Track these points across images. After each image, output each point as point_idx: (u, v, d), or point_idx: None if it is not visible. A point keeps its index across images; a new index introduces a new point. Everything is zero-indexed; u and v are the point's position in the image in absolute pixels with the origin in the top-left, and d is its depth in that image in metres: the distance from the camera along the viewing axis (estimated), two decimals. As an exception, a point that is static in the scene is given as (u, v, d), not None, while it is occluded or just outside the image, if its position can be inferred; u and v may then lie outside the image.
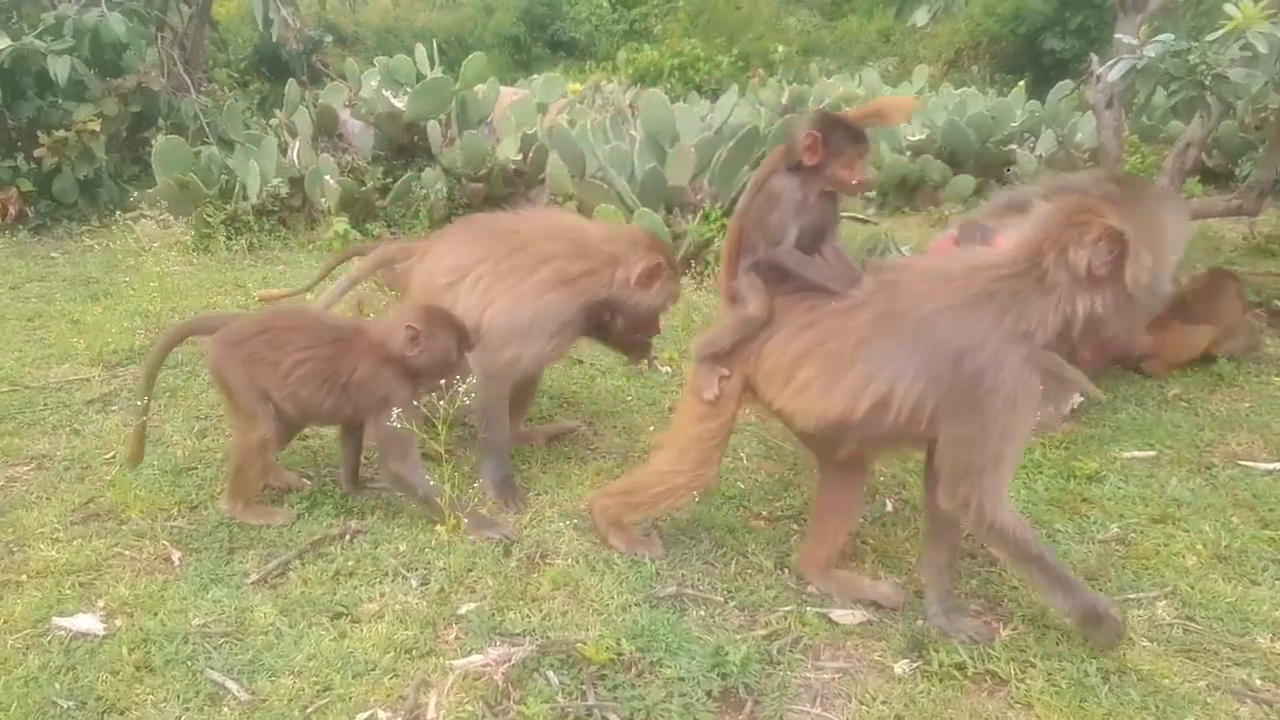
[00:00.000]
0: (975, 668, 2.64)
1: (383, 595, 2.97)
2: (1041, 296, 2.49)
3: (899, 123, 3.30)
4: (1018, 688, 2.57)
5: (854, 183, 2.89)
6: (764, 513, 3.51)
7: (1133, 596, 2.99)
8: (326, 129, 8.72)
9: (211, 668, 2.64)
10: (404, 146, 8.44)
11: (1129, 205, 2.44)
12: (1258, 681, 2.62)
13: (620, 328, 3.68)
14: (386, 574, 3.08)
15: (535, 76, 11.57)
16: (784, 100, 10.97)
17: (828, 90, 11.30)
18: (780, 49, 17.91)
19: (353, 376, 3.29)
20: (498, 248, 3.61)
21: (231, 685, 2.57)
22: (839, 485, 3.06)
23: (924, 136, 9.10)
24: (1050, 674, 2.61)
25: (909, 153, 8.95)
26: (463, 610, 2.90)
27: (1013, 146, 9.08)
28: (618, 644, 2.69)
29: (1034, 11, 16.31)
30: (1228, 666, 2.68)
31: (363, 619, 2.86)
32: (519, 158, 7.96)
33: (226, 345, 3.32)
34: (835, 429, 2.74)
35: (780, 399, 2.82)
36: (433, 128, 8.10)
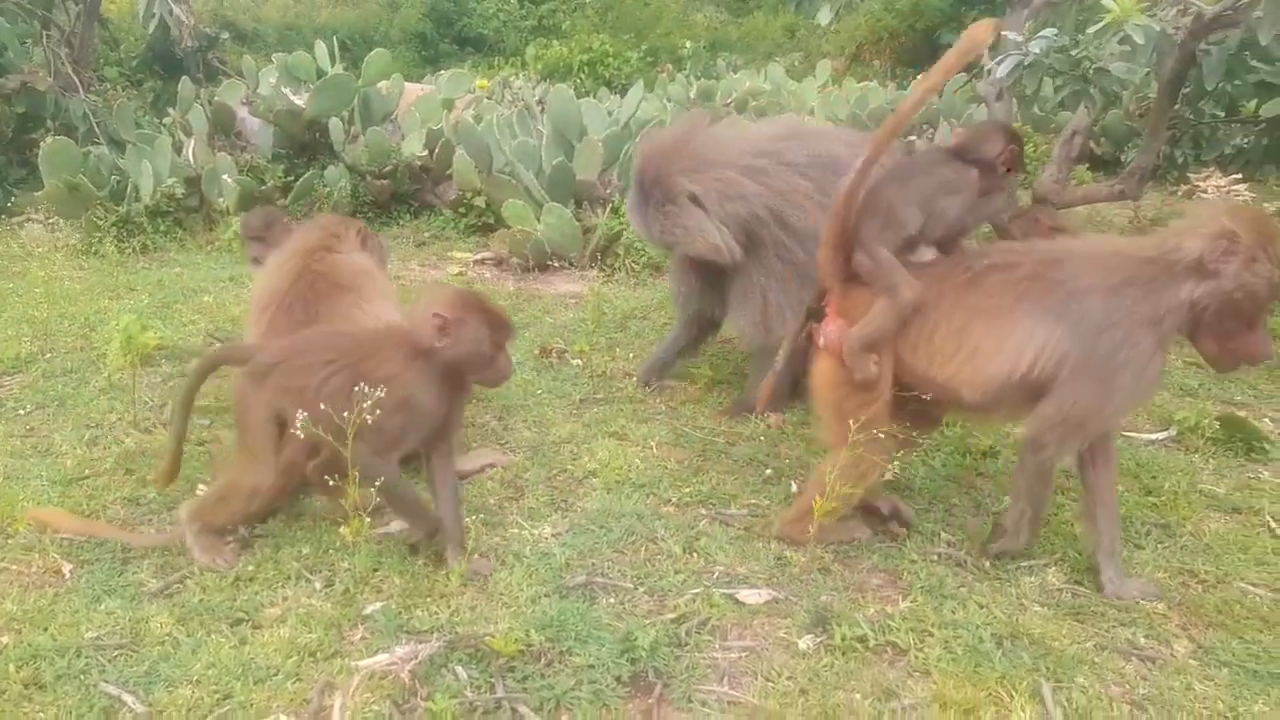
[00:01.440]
0: (876, 639, 2.71)
1: (285, 599, 2.91)
2: (1170, 286, 2.75)
3: (988, 42, 3.48)
4: (916, 656, 2.65)
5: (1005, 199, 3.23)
6: (673, 499, 3.53)
7: (1025, 564, 3.11)
8: (223, 127, 8.47)
9: (105, 681, 2.54)
10: (305, 144, 8.24)
11: (1250, 217, 2.74)
12: (1142, 640, 2.76)
13: None
14: (289, 577, 3.02)
15: (442, 73, 11.41)
16: (692, 95, 11.06)
17: (735, 85, 11.43)
18: (688, 44, 18.06)
19: (376, 377, 2.88)
20: None
21: (127, 698, 2.49)
22: None
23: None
24: (947, 642, 2.69)
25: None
26: (368, 610, 2.85)
27: (913, 138, 9.30)
28: (527, 635, 2.69)
29: (931, 8, 16.78)
30: (1114, 627, 2.81)
31: (264, 624, 2.79)
32: (425, 154, 7.85)
33: (253, 380, 3.03)
34: (999, 391, 2.88)
35: (948, 369, 2.93)
36: (335, 125, 7.93)
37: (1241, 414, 4.07)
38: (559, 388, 4.54)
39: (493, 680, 2.56)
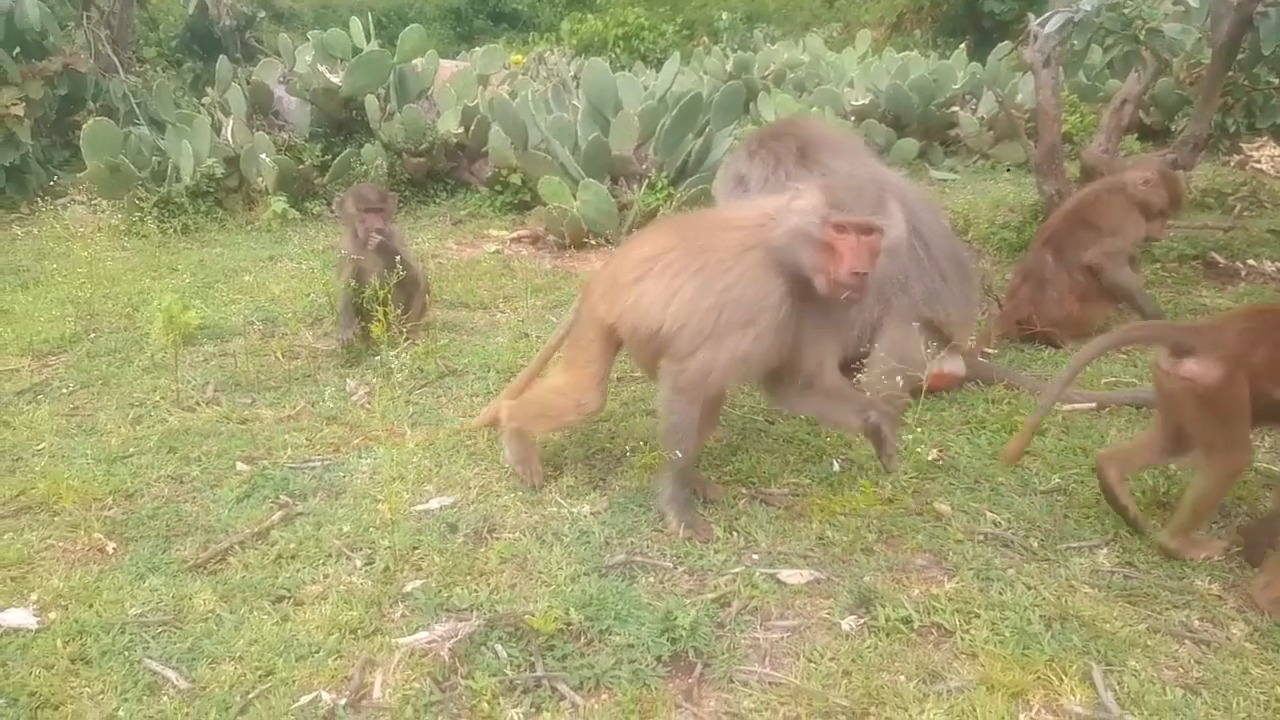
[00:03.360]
0: (921, 621, 2.66)
1: (326, 577, 2.92)
2: None
3: None
4: (963, 638, 2.60)
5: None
6: (713, 478, 3.49)
7: (1074, 545, 3.04)
8: (261, 107, 8.51)
9: (149, 657, 2.57)
10: (342, 122, 8.27)
11: None
12: (1196, 622, 2.68)
13: None
14: (330, 555, 3.03)
15: (476, 49, 11.36)
16: (729, 68, 10.92)
17: (772, 57, 11.25)
18: (724, 16, 17.82)
19: None
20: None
21: (170, 674, 2.51)
22: None
23: (867, 101, 9.10)
24: (994, 624, 2.64)
25: (853, 117, 8.95)
26: (408, 588, 2.86)
27: (955, 109, 9.13)
28: (566, 614, 2.67)
29: (975, -26, 16.37)
30: (1167, 609, 2.73)
31: (305, 601, 2.81)
32: (460, 131, 7.83)
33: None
34: None
35: None
36: (370, 102, 7.93)
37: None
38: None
39: (532, 659, 2.55)
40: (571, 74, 9.91)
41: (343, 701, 2.41)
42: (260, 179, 7.51)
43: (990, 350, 4.65)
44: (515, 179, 7.24)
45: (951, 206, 6.97)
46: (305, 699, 2.43)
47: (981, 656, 2.52)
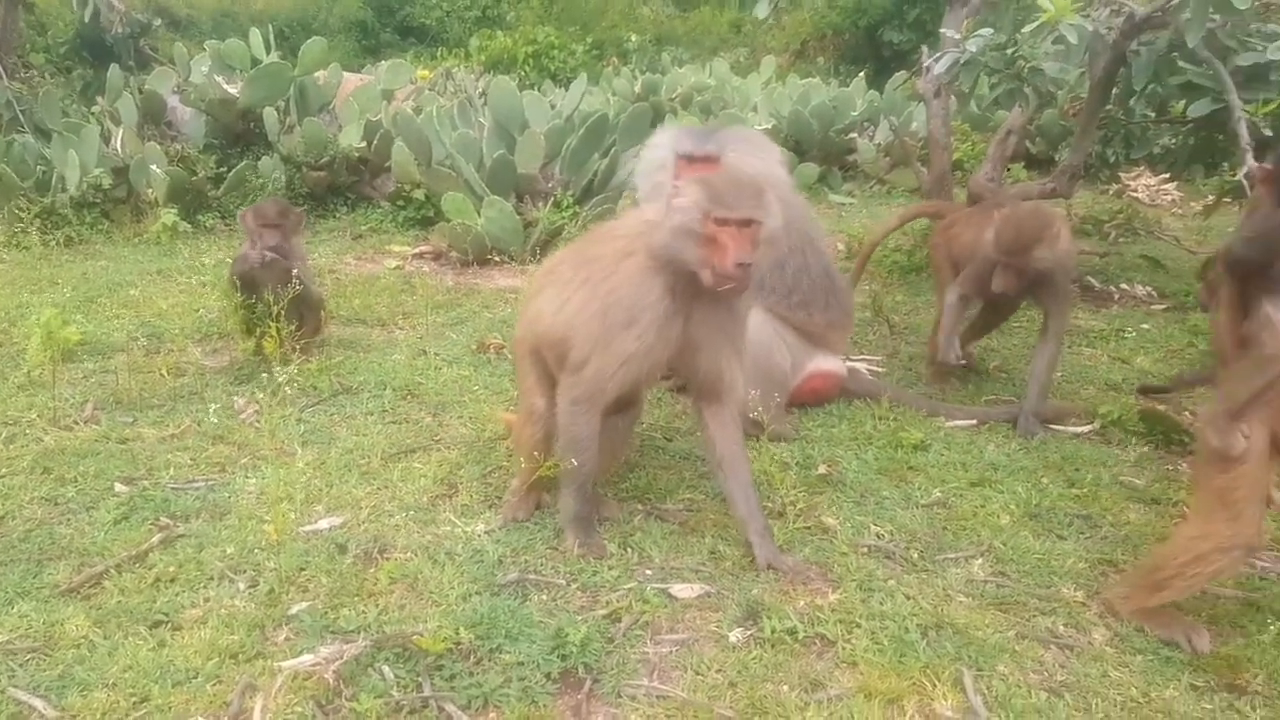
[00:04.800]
0: (805, 631, 2.73)
1: (207, 600, 2.85)
2: None
3: None
4: (844, 648, 2.68)
5: None
6: (609, 495, 3.52)
7: (952, 555, 3.16)
8: (153, 116, 8.25)
9: (15, 686, 2.47)
10: (239, 134, 8.08)
11: None
12: (1061, 628, 2.82)
13: None
14: (211, 578, 2.95)
15: (382, 63, 11.24)
16: (637, 89, 11.06)
17: (680, 80, 11.44)
18: (634, 38, 18.03)
19: None
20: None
21: (38, 703, 2.41)
22: None
23: (771, 125, 9.33)
24: (874, 633, 2.73)
25: (756, 141, 9.17)
26: (293, 610, 2.80)
27: (853, 135, 9.43)
28: (456, 633, 2.65)
29: (874, 5, 16.94)
30: (1035, 616, 2.87)
31: (184, 626, 2.72)
32: (363, 145, 7.74)
33: None
34: None
35: None
36: (269, 115, 7.77)
37: (1162, 408, 4.18)
38: (496, 383, 4.51)
39: (420, 679, 2.53)
40: (479, 91, 9.89)
41: (221, 728, 2.35)
42: (150, 190, 7.28)
43: (877, 369, 4.81)
44: (418, 195, 7.18)
45: (848, 230, 7.19)
46: (181, 726, 2.36)
47: (861, 665, 2.60)
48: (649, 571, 3.06)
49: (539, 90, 10.68)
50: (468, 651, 2.63)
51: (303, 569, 3.00)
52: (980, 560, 3.15)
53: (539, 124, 7.08)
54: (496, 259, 6.26)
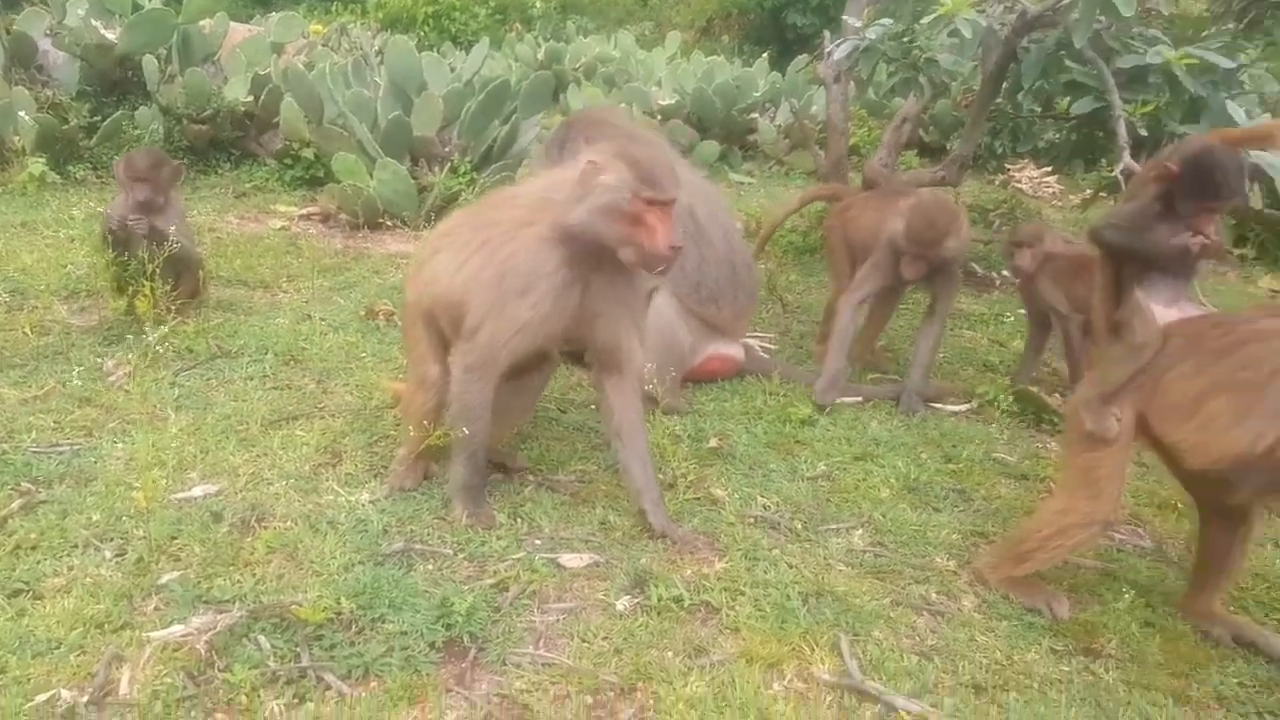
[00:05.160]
0: (691, 600, 2.77)
1: (70, 569, 2.70)
2: None
3: None
4: (728, 615, 2.73)
5: (1199, 231, 3.18)
6: (501, 465, 3.50)
7: (834, 526, 3.26)
8: (23, 60, 7.69)
9: None
10: (115, 82, 7.61)
11: None
12: (933, 596, 2.94)
13: None
14: (76, 546, 2.80)
15: (273, 14, 10.77)
16: (540, 57, 10.91)
17: (584, 49, 11.33)
18: (539, 4, 17.75)
19: None
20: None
21: (-124, 679, 2.25)
22: (1223, 533, 2.85)
23: (674, 101, 9.34)
24: (757, 601, 2.79)
25: (659, 116, 9.17)
26: (164, 580, 2.69)
27: (755, 115, 9.52)
28: (337, 603, 2.60)
29: (779, -13, 17.13)
30: (910, 584, 2.98)
31: (46, 595, 2.59)
32: (249, 99, 7.41)
33: None
34: (1234, 468, 2.56)
35: (1178, 434, 2.65)
36: (149, 63, 7.35)
37: (1034, 389, 4.38)
38: (385, 351, 4.40)
39: (298, 649, 2.46)
40: (375, 49, 9.59)
41: (84, 699, 2.24)
42: (17, 138, 6.81)
43: (770, 346, 4.89)
44: (307, 154, 6.93)
45: (746, 209, 7.27)
46: (42, 698, 2.25)
47: (744, 631, 2.66)
48: (538, 541, 3.05)
49: (438, 52, 10.42)
50: (349, 621, 2.58)
51: (174, 538, 2.88)
52: (860, 531, 3.25)
53: (437, 87, 6.91)
54: (388, 223, 6.09)
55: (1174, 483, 3.06)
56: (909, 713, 2.39)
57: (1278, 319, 2.58)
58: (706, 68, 10.12)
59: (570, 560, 2.96)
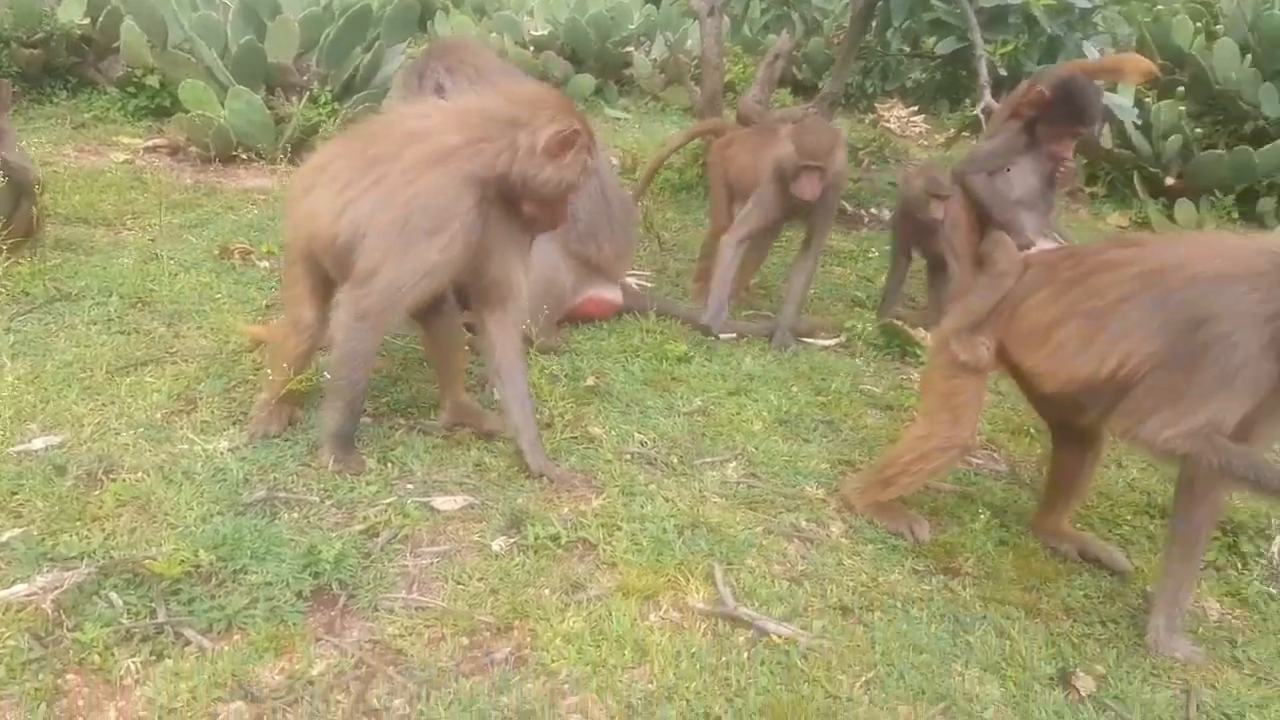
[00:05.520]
0: (568, 537, 2.76)
1: (-108, 529, 2.49)
2: None
3: (1135, 82, 3.51)
4: (605, 550, 2.74)
5: (1059, 156, 3.36)
6: (369, 409, 3.38)
7: (709, 460, 3.30)
8: None
9: None
10: (-73, -1, 6.86)
11: None
12: (803, 523, 3.02)
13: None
14: (-102, 505, 2.58)
15: (108, -71, 9.88)
16: (406, -18, 10.42)
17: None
18: (404, -70, 16.88)
19: None
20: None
21: None
22: (1072, 454, 3.01)
23: (546, 32, 9.09)
24: (634, 535, 2.81)
25: (532, 47, 8.91)
26: (4, 538, 2.51)
27: (630, 49, 9.36)
28: (195, 556, 2.48)
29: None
30: (781, 513, 3.06)
31: None
32: (85, 22, 6.80)
33: None
34: (1081, 390, 2.67)
35: (1032, 360, 2.76)
36: (-34, -23, 6.65)
37: (899, 322, 4.51)
38: (241, 292, 4.17)
39: (153, 605, 2.35)
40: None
41: (-88, 668, 2.08)
42: None
43: (647, 284, 4.88)
44: (152, 81, 6.44)
45: (622, 145, 7.19)
46: None
47: (620, 565, 2.68)
48: (410, 485, 2.98)
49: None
50: (208, 574, 2.47)
51: (15, 493, 2.69)
52: (734, 464, 3.30)
53: (293, 10, 6.50)
54: (243, 156, 5.74)
55: (1029, 407, 3.22)
56: (779, 636, 2.46)
57: (1124, 250, 2.71)
58: (581, -1, 9.86)
59: (444, 503, 2.90)
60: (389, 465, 3.07)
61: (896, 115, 9.75)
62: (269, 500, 2.81)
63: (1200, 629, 2.76)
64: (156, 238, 4.65)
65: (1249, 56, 6.65)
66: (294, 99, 6.10)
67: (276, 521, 2.72)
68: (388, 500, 2.88)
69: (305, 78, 6.29)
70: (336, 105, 6.11)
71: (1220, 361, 2.36)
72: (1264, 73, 6.60)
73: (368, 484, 2.94)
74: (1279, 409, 2.45)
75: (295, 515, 2.77)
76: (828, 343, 4.41)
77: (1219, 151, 6.54)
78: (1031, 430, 3.67)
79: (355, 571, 2.56)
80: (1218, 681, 2.55)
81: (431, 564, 2.64)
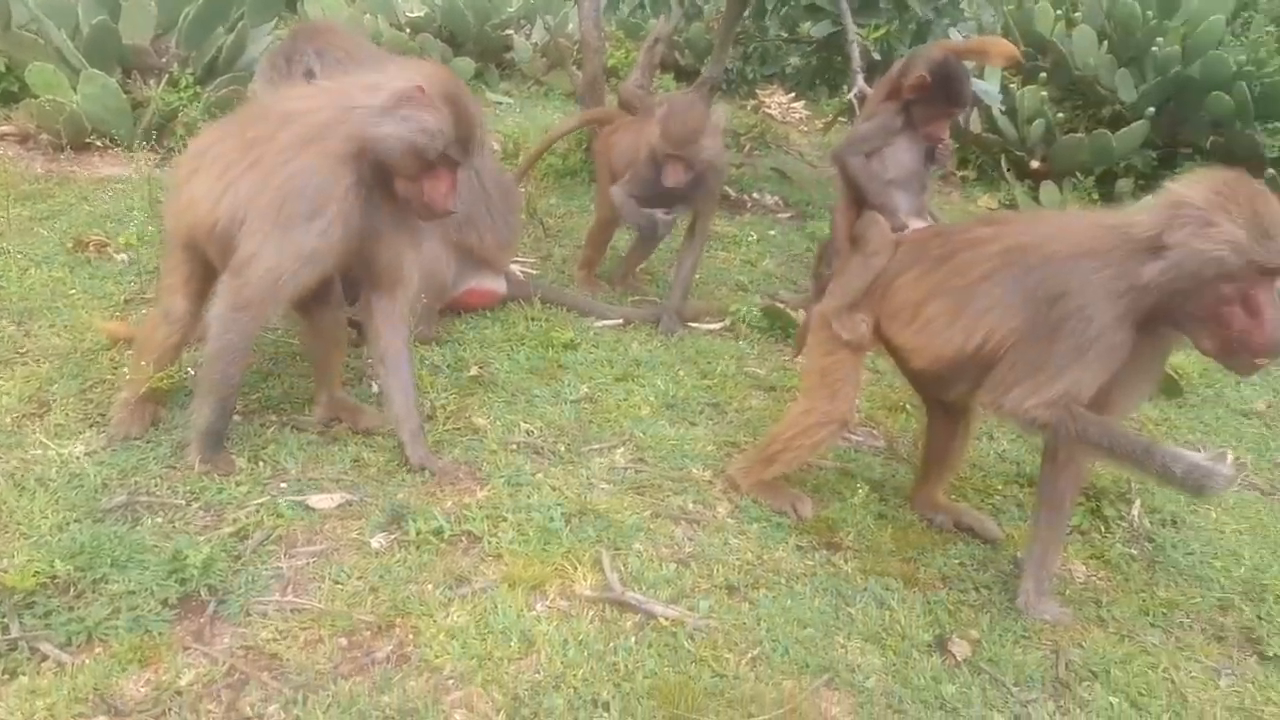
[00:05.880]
0: (452, 530, 2.71)
1: None
2: (1130, 260, 2.43)
3: (1000, 65, 3.46)
4: (490, 542, 2.69)
5: (937, 137, 3.47)
6: (240, 406, 3.24)
7: (596, 446, 3.28)
8: None
9: None
10: None
11: (1211, 179, 2.39)
12: (691, 506, 3.04)
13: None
14: None
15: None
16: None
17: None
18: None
19: None
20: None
21: None
22: (945, 428, 3.10)
23: (423, 14, 8.87)
24: (520, 525, 2.77)
25: (408, 30, 8.69)
26: None
27: (510, 32, 9.22)
28: (51, 566, 2.34)
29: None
30: (669, 496, 3.07)
31: None
32: (-85, -2, 6.28)
33: None
34: (949, 365, 2.74)
35: (904, 336, 2.85)
36: None
37: (781, 305, 4.58)
38: (97, 287, 3.92)
39: (5, 620, 2.20)
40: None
41: None
42: None
43: (531, 271, 4.83)
44: (-3, 64, 6.00)
45: (503, 130, 7.08)
46: None
47: (506, 556, 2.64)
48: (284, 484, 2.88)
49: (155, -47, 9.32)
50: (66, 585, 2.34)
51: None
52: (622, 449, 3.30)
53: (151, -11, 6.14)
54: (99, 144, 5.40)
55: (905, 384, 3.31)
56: (666, 618, 2.47)
57: (988, 228, 2.81)
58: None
59: (320, 501, 2.81)
60: (261, 464, 2.95)
61: (778, 101, 9.90)
62: (130, 505, 2.67)
63: (1068, 591, 2.89)
64: (4, 231, 4.33)
65: (1105, 43, 6.99)
66: (152, 82, 5.76)
67: (139, 527, 2.58)
68: (259, 500, 2.77)
69: (164, 60, 5.94)
70: (199, 89, 5.80)
71: (1075, 334, 2.46)
72: (1120, 59, 6.95)
73: (238, 484, 2.82)
74: (1133, 380, 2.58)
75: (159, 520, 2.64)
76: (713, 327, 4.45)
77: (1079, 135, 6.85)
78: (908, 407, 3.78)
79: (225, 576, 2.45)
80: (1085, 640, 2.67)
81: (307, 564, 2.55)
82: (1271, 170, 6.18)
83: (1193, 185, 2.38)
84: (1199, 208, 2.31)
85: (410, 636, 2.33)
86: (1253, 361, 2.38)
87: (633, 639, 2.41)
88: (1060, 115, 7.20)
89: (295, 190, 2.70)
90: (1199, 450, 2.48)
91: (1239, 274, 2.27)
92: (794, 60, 7.35)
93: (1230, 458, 2.41)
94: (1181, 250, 2.32)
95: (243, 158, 2.79)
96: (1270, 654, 2.70)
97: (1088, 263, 2.49)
